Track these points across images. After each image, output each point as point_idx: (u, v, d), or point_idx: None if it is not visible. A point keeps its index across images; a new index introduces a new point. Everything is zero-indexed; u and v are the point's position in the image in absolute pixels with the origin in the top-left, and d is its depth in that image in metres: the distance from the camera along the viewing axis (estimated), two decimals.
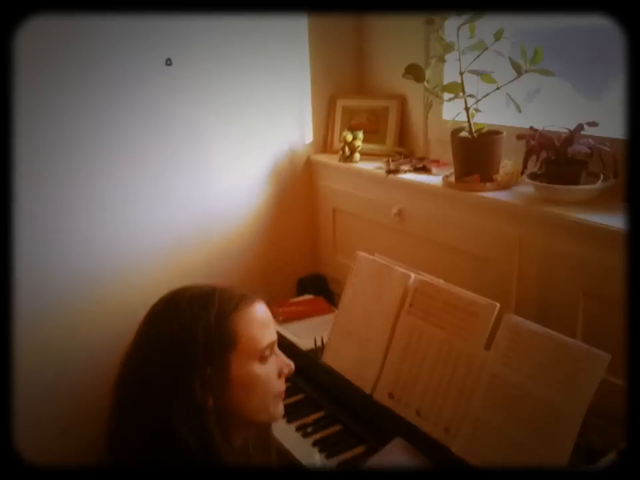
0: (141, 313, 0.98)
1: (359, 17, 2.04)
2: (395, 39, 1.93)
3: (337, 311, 1.59)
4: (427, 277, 1.40)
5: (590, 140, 1.35)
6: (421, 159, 1.82)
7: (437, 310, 1.32)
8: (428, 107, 1.61)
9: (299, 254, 2.13)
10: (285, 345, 1.61)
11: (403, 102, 1.94)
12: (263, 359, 0.95)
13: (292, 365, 1.00)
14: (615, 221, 1.25)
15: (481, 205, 1.50)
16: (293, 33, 1.95)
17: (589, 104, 1.62)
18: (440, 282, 1.37)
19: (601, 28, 1.54)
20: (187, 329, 0.89)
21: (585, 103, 1.63)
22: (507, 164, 1.58)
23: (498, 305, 1.23)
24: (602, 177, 1.36)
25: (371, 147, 1.95)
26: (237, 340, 0.91)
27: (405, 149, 1.92)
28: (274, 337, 0.98)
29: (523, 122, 1.60)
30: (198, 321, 0.90)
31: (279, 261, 2.08)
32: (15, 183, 1.52)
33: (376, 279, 1.48)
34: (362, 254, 1.55)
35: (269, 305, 1.84)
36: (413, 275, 1.40)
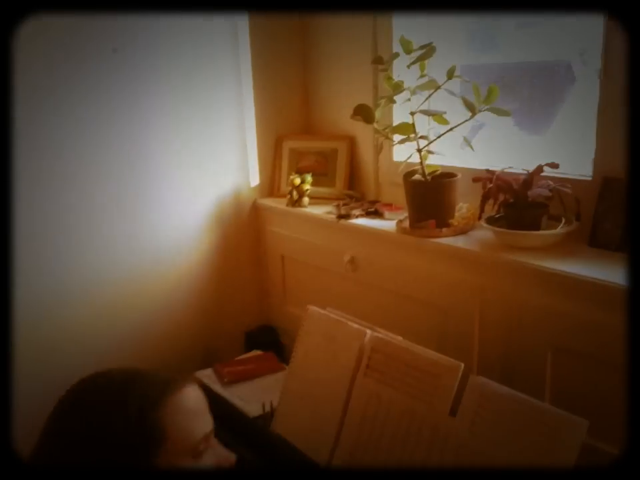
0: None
1: (304, 54, 1.95)
2: (342, 78, 1.85)
3: (287, 370, 1.45)
4: (383, 334, 1.28)
5: (550, 182, 1.28)
6: (373, 203, 1.73)
7: (396, 371, 1.20)
8: (378, 148, 1.52)
9: (246, 305, 1.99)
10: (230, 411, 1.46)
11: (352, 143, 1.86)
12: (197, 454, 0.80)
13: (232, 457, 0.85)
14: (581, 267, 1.17)
15: (437, 252, 1.41)
16: (236, 72, 1.84)
17: (531, 139, 1.59)
18: (398, 339, 1.25)
19: (544, 66, 1.52)
20: (100, 429, 0.74)
21: (527, 138, 1.60)
22: (463, 207, 1.50)
23: (462, 365, 1.11)
24: (564, 220, 1.29)
25: (320, 190, 1.85)
26: (164, 435, 0.77)
27: (356, 192, 1.82)
28: (209, 427, 0.83)
29: (471, 160, 1.53)
30: (114, 418, 0.75)
31: (224, 313, 1.93)
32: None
33: (328, 336, 1.35)
34: (313, 308, 1.42)
35: (213, 366, 1.68)
36: (368, 332, 1.28)
